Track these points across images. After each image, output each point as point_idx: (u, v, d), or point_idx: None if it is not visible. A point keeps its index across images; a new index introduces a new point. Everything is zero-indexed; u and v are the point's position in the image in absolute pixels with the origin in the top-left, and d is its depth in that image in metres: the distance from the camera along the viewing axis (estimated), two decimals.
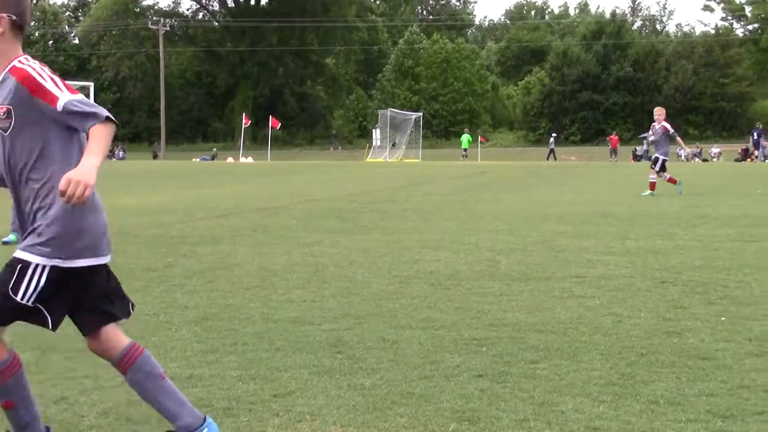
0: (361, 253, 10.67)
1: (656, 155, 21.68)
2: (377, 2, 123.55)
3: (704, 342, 6.12)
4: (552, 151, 64.30)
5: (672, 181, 21.15)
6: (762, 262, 9.77)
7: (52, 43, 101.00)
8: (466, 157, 60.63)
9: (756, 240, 11.77)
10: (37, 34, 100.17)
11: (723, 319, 6.81)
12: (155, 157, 63.44)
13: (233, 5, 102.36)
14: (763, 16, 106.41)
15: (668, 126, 21.43)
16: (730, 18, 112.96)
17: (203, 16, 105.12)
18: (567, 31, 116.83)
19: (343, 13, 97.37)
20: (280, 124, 64.25)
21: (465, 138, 63.75)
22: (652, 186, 20.86)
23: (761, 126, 64.44)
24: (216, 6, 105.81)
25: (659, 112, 21.86)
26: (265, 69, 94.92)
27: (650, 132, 22.49)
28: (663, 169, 21.19)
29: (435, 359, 5.69)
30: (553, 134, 70.86)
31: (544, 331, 6.46)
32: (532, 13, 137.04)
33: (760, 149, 58.66)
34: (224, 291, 8.10)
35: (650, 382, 5.17)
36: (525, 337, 6.27)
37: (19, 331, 6.41)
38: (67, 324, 4.02)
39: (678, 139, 22.53)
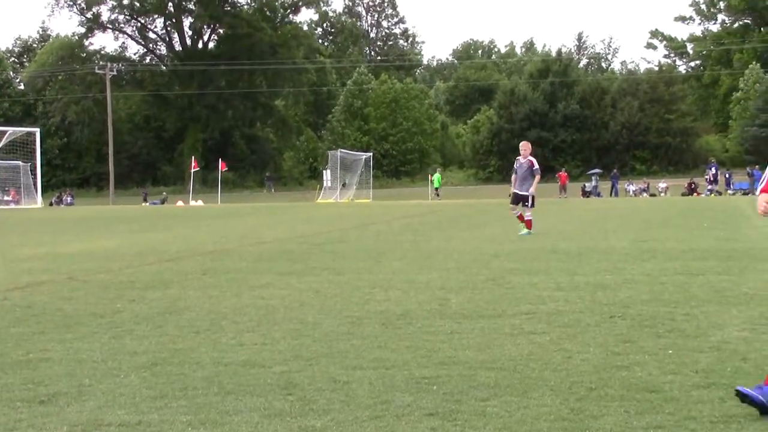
0: (311, 294, 10.65)
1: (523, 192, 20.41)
2: (325, 44, 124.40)
3: (652, 375, 6.18)
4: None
5: (521, 218, 20.55)
6: (707, 294, 9.90)
7: None
8: (438, 196, 61.28)
9: (702, 273, 11.94)
10: None
11: (670, 352, 6.89)
12: (145, 200, 62.10)
13: (180, 49, 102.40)
14: (704, 53, 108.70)
15: (534, 161, 20.60)
16: (672, 55, 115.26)
17: (150, 60, 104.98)
18: (514, 69, 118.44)
19: (292, 55, 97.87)
20: (226, 167, 64.12)
21: (436, 177, 64.77)
22: (526, 223, 20.30)
23: (714, 160, 65.75)
24: (163, 50, 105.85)
25: (525, 147, 20.75)
26: (214, 112, 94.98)
27: (515, 166, 20.78)
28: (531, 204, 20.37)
29: (386, 399, 5.68)
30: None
31: (494, 368, 6.48)
32: (479, 52, 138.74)
33: (715, 184, 59.52)
34: (174, 335, 8.03)
35: (600, 416, 5.20)
36: (475, 375, 6.28)
37: None
38: None
39: (537, 177, 20.67)
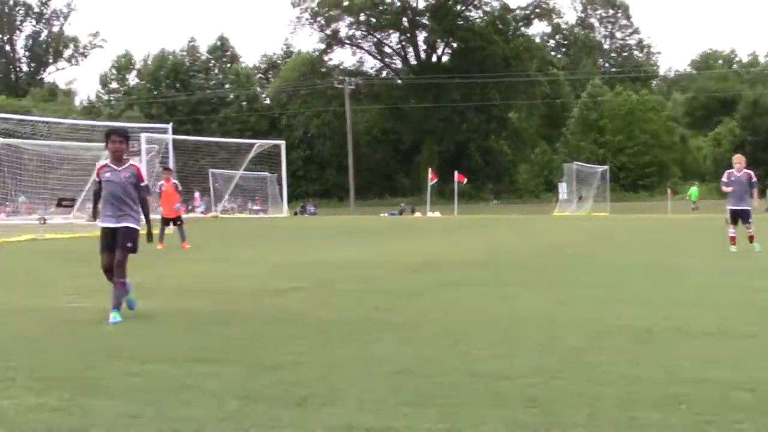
0: (557, 306, 10.61)
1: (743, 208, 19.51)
2: (558, 56, 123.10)
3: None
4: None
5: (733, 240, 19.48)
6: None
7: (245, 104, 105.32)
8: (697, 209, 60.02)
9: None
10: (231, 96, 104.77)
11: None
12: (412, 212, 63.28)
13: (415, 63, 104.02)
14: None
15: (752, 174, 19.55)
16: None
17: (387, 74, 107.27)
18: (758, 79, 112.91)
19: (525, 67, 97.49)
20: (466, 179, 64.63)
21: (693, 191, 63.62)
22: (750, 238, 19.41)
23: None
24: (399, 64, 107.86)
25: (740, 160, 19.80)
26: (449, 124, 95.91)
27: (727, 179, 19.61)
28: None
29: (632, 415, 5.58)
30: None
31: (749, 389, 6.21)
32: (719, 62, 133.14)
33: None
34: (422, 344, 8.18)
35: None
36: (728, 395, 6.05)
37: (225, 380, 6.71)
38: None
39: (756, 190, 19.74)
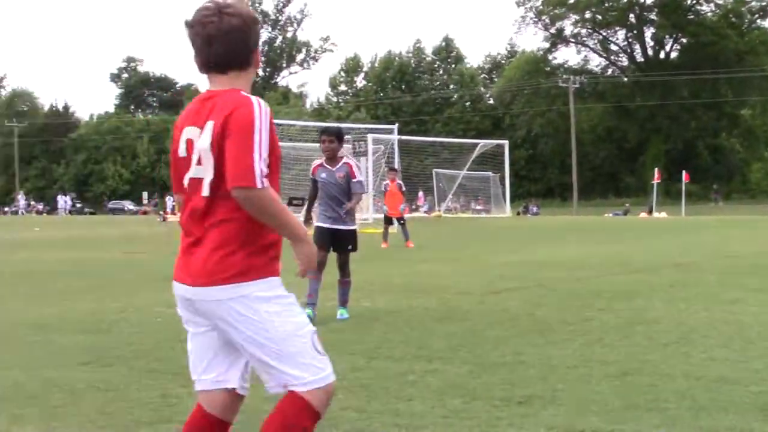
0: None
1: None
2: None
3: None
4: None
5: None
6: None
7: (469, 104, 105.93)
8: None
9: None
10: (455, 96, 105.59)
11: None
12: (650, 211, 62.42)
13: (642, 60, 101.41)
14: None
15: None
16: None
17: (612, 72, 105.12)
18: None
19: (760, 62, 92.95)
20: (689, 179, 62.44)
21: None
22: None
23: None
24: (624, 61, 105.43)
25: None
26: (677, 122, 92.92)
27: None
28: None
29: None
30: None
31: None
32: None
33: None
34: (643, 346, 8.04)
35: None
36: None
37: (447, 377, 6.81)
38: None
39: None
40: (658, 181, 60.11)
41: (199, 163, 3.63)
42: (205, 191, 3.60)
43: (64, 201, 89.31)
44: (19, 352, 8.27)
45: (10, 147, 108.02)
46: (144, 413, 5.91)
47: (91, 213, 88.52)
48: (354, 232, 10.38)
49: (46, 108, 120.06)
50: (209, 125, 3.60)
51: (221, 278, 3.57)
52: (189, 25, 3.68)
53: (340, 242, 10.26)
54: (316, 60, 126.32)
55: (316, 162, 10.47)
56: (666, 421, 5.52)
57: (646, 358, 7.50)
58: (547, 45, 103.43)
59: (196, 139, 3.63)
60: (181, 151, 3.69)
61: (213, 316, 3.63)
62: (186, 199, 3.71)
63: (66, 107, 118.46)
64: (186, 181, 3.69)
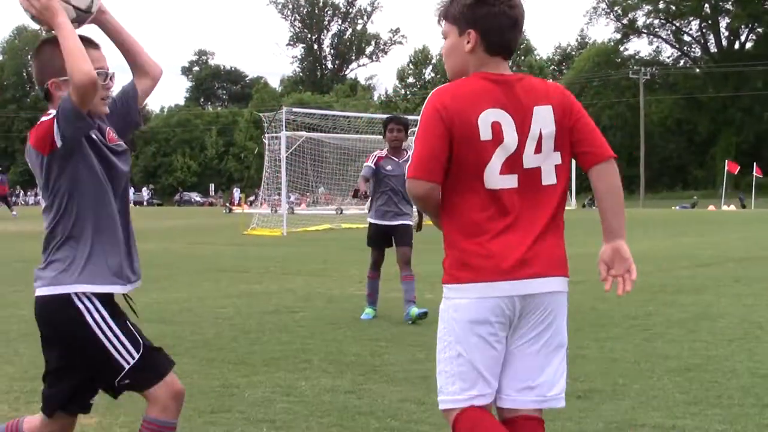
0: None
1: None
2: None
3: None
4: None
5: None
6: None
7: None
8: None
9: None
10: None
11: None
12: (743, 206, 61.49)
13: (716, 50, 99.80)
14: None
15: None
16: None
17: (684, 63, 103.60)
18: None
19: None
20: (762, 172, 61.24)
21: None
22: None
23: None
24: (698, 52, 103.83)
25: None
26: (749, 114, 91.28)
27: None
28: None
29: None
30: None
31: None
32: None
33: None
34: (707, 342, 7.93)
35: None
36: None
37: None
38: None
39: None
40: (734, 171, 59.00)
41: (537, 150, 3.42)
42: (551, 179, 3.46)
43: (147, 193, 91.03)
44: None
45: None
46: (205, 402, 5.98)
47: (159, 204, 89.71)
48: (411, 227, 9.95)
49: None
50: (546, 110, 3.44)
51: (565, 270, 3.56)
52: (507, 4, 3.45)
53: (402, 236, 9.88)
54: (386, 52, 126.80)
55: (379, 153, 10.05)
56: (729, 417, 5.45)
57: (710, 353, 7.40)
58: (618, 36, 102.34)
59: (524, 125, 3.39)
60: (486, 135, 3.35)
61: (546, 310, 3.47)
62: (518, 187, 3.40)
63: None
64: (502, 168, 3.38)
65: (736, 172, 59.45)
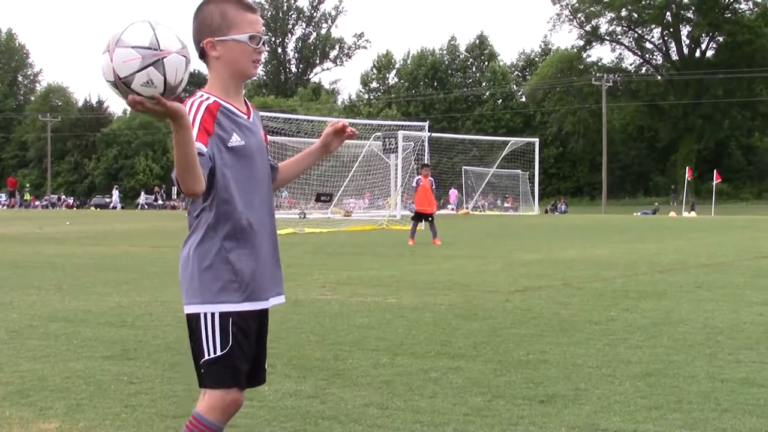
0: None
1: None
2: None
3: None
4: None
5: None
6: None
7: (500, 102, 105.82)
8: None
9: None
10: (487, 94, 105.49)
11: None
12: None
13: (677, 58, 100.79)
14: None
15: None
16: None
17: (646, 70, 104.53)
18: None
19: None
20: (721, 178, 61.96)
21: None
22: None
23: None
24: (659, 60, 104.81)
25: None
26: (710, 122, 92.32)
27: None
28: None
29: None
30: None
31: None
32: None
33: None
34: (668, 347, 7.99)
35: None
36: None
37: (469, 375, 6.80)
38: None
39: None
40: (690, 179, 59.66)
41: None
42: None
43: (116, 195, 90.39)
44: (45, 345, 8.33)
45: (44, 141, 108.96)
46: (167, 406, 5.94)
47: (122, 207, 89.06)
48: None
49: (80, 103, 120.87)
50: None
51: None
52: None
53: None
54: (350, 57, 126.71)
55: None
56: (689, 422, 5.49)
57: (671, 359, 7.45)
58: (581, 43, 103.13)
59: None
60: None
61: None
62: None
63: (100, 102, 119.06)
64: None
65: (691, 178, 60.00)
